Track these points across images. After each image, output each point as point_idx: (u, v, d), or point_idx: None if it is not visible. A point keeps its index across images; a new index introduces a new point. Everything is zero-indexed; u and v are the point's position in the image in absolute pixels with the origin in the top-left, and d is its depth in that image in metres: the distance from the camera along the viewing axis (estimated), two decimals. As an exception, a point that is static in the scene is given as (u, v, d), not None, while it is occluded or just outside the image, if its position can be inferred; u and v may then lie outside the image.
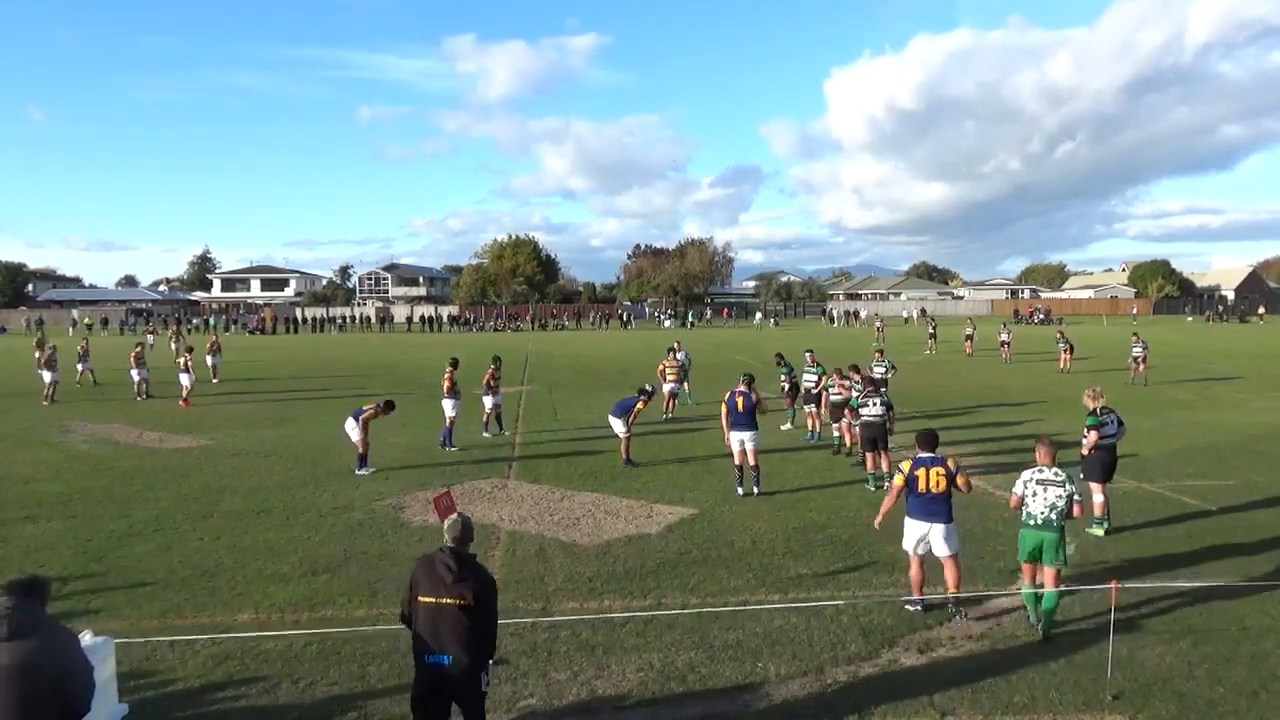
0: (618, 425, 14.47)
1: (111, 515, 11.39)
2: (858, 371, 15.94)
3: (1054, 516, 7.35)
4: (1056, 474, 7.41)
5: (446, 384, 16.47)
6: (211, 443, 16.98)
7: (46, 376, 23.70)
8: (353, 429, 13.99)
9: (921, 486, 7.68)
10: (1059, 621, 7.44)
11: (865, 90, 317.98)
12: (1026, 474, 7.56)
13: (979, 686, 6.37)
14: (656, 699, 6.27)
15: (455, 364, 17.21)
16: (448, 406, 16.38)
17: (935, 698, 6.20)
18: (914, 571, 7.90)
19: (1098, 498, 10.35)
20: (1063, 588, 7.44)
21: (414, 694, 4.92)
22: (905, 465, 7.92)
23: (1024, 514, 7.48)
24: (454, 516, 5.12)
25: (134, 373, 24.90)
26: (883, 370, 19.52)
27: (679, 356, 22.21)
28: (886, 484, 12.39)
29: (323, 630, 7.35)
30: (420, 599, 4.85)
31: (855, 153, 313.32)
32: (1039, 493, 7.39)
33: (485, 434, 17.31)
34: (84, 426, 19.10)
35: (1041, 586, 7.37)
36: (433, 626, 4.78)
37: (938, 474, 7.68)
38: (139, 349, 25.62)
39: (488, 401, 17.42)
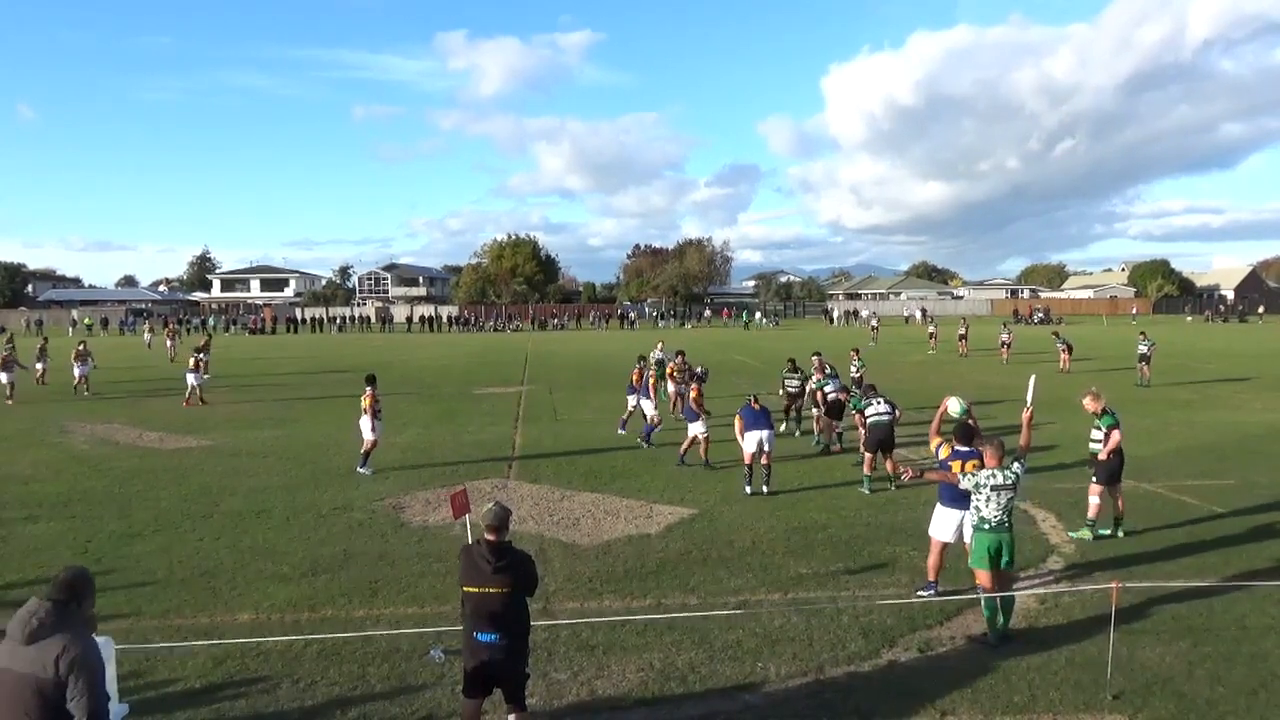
0: (694, 427, 14.37)
1: (111, 516, 11.39)
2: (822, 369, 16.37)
3: (1006, 518, 7.36)
4: (1007, 477, 7.37)
5: (652, 381, 16.95)
6: (211, 443, 16.98)
7: (3, 377, 23.97)
8: (366, 427, 13.96)
9: (956, 477, 7.79)
10: (1060, 621, 7.45)
11: (863, 87, 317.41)
12: (982, 476, 7.38)
13: (979, 686, 6.38)
14: (656, 699, 6.27)
15: (661, 364, 17.81)
16: (648, 406, 16.77)
17: (935, 697, 6.20)
18: (933, 559, 8.15)
19: (1094, 500, 10.30)
20: (1065, 587, 7.44)
21: (465, 668, 5.32)
22: (944, 452, 8.16)
23: (976, 518, 7.43)
24: (489, 506, 5.36)
25: (75, 369, 25.66)
26: (855, 369, 19.54)
27: (655, 354, 22.89)
28: (891, 486, 12.41)
29: (323, 632, 7.35)
30: (465, 588, 5.22)
31: (853, 151, 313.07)
32: (993, 497, 7.31)
33: (622, 432, 17.55)
34: (84, 427, 19.10)
35: (992, 593, 7.28)
36: (479, 611, 5.16)
37: (973, 466, 7.84)
38: (81, 345, 26.59)
39: (634, 400, 17.88)
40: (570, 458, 15.15)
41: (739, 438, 12.60)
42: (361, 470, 13.85)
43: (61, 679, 3.76)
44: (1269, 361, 34.28)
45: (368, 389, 14.18)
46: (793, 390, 17.74)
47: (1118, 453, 10.46)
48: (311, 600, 8.26)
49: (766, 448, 12.23)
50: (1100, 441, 10.51)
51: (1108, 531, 10.18)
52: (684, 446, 14.48)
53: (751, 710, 6.11)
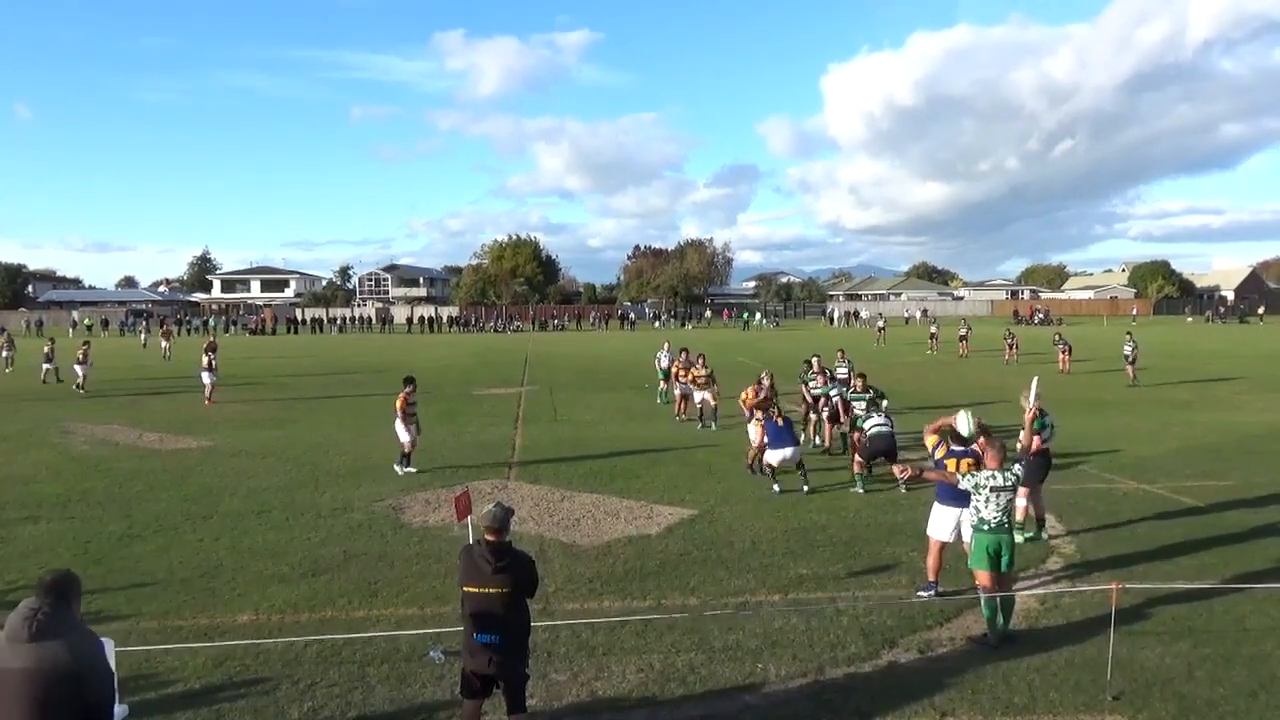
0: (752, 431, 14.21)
1: (111, 516, 11.38)
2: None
3: (1005, 519, 7.38)
4: (1008, 479, 7.38)
5: (749, 399, 14.78)
6: (211, 444, 16.97)
7: None
8: (400, 429, 13.94)
9: (954, 477, 7.76)
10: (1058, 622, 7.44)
11: (863, 87, 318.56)
12: (982, 477, 7.39)
13: (979, 687, 6.37)
14: (656, 700, 6.27)
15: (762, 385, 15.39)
16: (752, 431, 14.48)
17: (935, 698, 6.20)
18: (933, 559, 8.16)
19: (1020, 502, 10.17)
20: (1065, 588, 7.44)
21: (464, 669, 5.31)
22: (940, 451, 8.24)
23: (976, 519, 7.43)
24: (490, 507, 5.35)
25: (77, 368, 26.10)
26: (845, 371, 19.29)
27: (661, 356, 23.08)
28: (901, 487, 12.41)
29: (322, 633, 7.35)
30: (466, 589, 5.21)
31: (852, 151, 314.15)
32: (993, 499, 7.32)
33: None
34: (84, 427, 19.09)
35: (992, 594, 7.25)
36: (479, 612, 5.16)
37: (968, 464, 7.88)
38: (85, 346, 27.14)
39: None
40: (571, 458, 15.14)
41: (760, 444, 12.81)
42: (408, 470, 13.83)
43: (78, 673, 3.78)
44: (1269, 362, 34.28)
45: (404, 389, 14.14)
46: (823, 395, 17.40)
47: (1043, 454, 10.46)
48: (311, 601, 8.25)
49: (792, 463, 12.48)
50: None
51: (1032, 534, 10.07)
52: (750, 455, 14.06)
53: (751, 711, 6.10)
